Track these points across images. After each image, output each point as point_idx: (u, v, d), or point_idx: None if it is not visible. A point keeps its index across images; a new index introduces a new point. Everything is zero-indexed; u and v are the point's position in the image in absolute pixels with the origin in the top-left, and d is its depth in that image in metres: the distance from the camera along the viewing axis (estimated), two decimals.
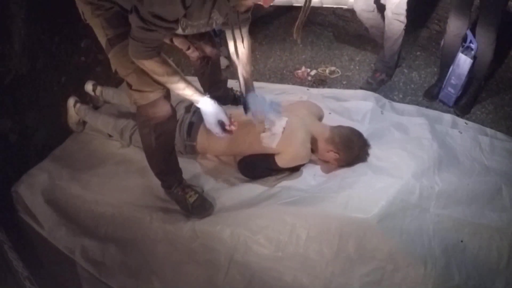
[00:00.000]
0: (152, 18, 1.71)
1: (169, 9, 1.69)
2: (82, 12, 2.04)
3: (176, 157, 2.43)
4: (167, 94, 2.14)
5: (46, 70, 2.97)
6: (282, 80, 3.70)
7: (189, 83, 2.07)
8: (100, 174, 2.72)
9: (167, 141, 2.30)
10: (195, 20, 1.88)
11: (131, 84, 2.06)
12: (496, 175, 2.69)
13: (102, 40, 2.04)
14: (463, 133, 3.01)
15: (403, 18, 3.26)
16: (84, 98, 3.10)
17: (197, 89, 2.12)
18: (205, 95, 2.15)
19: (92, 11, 1.97)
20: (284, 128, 2.54)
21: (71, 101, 2.98)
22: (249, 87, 2.47)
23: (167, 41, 2.45)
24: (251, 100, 2.46)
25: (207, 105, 2.15)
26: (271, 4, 1.82)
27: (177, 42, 2.52)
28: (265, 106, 2.49)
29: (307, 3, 1.74)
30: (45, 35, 2.91)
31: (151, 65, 1.93)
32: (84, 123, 3.05)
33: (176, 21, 1.79)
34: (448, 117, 3.23)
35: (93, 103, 3.14)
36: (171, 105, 2.18)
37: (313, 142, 2.62)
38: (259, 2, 1.80)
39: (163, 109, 2.10)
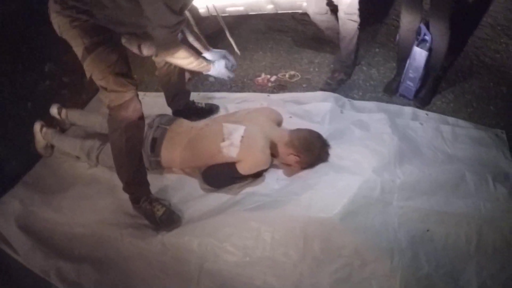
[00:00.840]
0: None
1: None
2: (58, 25, 2.12)
3: (144, 167, 2.49)
4: (137, 94, 2.28)
5: (12, 99, 2.98)
6: (243, 88, 3.72)
7: (198, 56, 2.47)
8: (71, 196, 2.75)
9: (136, 146, 2.38)
10: None
11: (106, 86, 2.18)
12: (460, 162, 2.73)
13: (79, 49, 2.14)
14: (424, 124, 3.05)
15: (356, 17, 3.30)
16: (52, 122, 3.11)
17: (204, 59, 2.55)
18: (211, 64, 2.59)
19: (69, 23, 2.06)
20: (242, 136, 2.58)
21: (37, 126, 3.00)
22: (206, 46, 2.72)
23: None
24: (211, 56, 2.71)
25: (218, 70, 2.63)
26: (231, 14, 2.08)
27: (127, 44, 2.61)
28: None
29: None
30: (8, 65, 2.93)
31: (182, 53, 2.31)
32: (52, 147, 3.07)
33: None
34: (408, 110, 3.27)
35: (60, 126, 3.16)
36: (141, 105, 2.31)
37: (273, 147, 2.66)
38: None
39: (135, 108, 2.24)
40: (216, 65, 2.62)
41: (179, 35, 2.34)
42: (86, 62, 2.14)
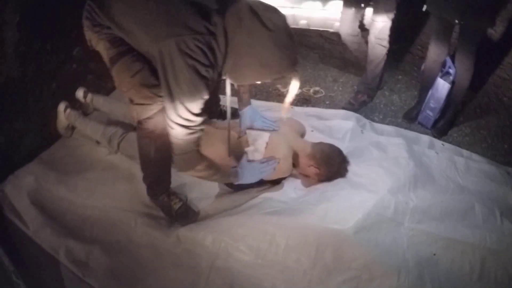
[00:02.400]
0: (187, 112, 1.86)
1: (198, 93, 1.83)
2: (89, 39, 2.14)
3: (170, 171, 2.49)
4: None
5: (37, 76, 2.97)
6: (267, 97, 3.77)
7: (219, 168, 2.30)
8: (87, 179, 2.76)
9: (165, 155, 2.33)
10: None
11: (132, 99, 2.13)
12: (470, 193, 2.76)
13: (107, 61, 2.13)
14: (439, 154, 3.09)
15: (385, 43, 3.37)
16: (74, 105, 3.12)
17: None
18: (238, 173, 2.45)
19: (98, 37, 2.06)
20: (266, 143, 2.64)
21: (61, 106, 3.02)
22: (245, 102, 2.66)
23: None
24: (247, 114, 2.67)
25: (247, 178, 2.50)
26: None
27: None
28: (257, 119, 2.69)
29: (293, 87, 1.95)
30: (37, 42, 2.94)
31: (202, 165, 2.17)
32: (73, 128, 3.09)
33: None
34: (425, 138, 3.32)
35: (83, 110, 3.17)
36: None
37: (295, 157, 2.70)
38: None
39: (162, 122, 2.07)
40: (245, 172, 2.50)
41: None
42: (112, 73, 2.13)
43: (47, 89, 3.10)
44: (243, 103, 2.71)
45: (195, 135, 1.97)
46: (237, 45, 1.80)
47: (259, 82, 1.98)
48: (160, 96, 1.99)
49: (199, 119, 1.91)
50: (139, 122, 2.20)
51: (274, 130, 2.76)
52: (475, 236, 2.41)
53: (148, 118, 2.15)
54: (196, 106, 1.85)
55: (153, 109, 2.12)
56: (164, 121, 1.97)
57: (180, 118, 1.87)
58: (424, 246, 2.37)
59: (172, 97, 1.82)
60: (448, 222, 2.50)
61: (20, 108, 2.93)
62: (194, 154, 2.09)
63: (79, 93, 3.12)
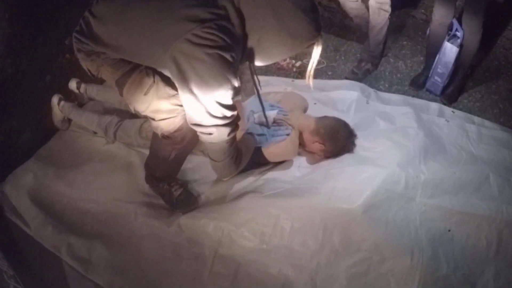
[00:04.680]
0: (222, 107, 1.71)
1: (228, 83, 1.67)
2: (88, 69, 2.01)
3: (183, 161, 2.41)
4: None
5: (31, 70, 2.92)
6: (266, 72, 3.66)
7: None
8: (86, 172, 2.70)
9: (183, 156, 2.30)
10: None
11: (153, 117, 1.98)
12: (484, 163, 2.70)
13: (113, 85, 1.99)
14: (450, 122, 3.01)
15: (387, 7, 3.24)
16: (69, 96, 3.07)
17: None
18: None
19: (96, 66, 1.94)
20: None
21: (55, 99, 2.96)
22: (249, 91, 2.57)
23: None
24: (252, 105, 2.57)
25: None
26: None
27: None
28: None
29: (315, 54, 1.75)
30: (28, 35, 2.88)
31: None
32: (70, 121, 3.03)
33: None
34: (434, 106, 3.23)
35: (78, 101, 3.12)
36: None
37: (299, 134, 2.62)
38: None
39: (191, 130, 1.90)
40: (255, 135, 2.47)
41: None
42: (124, 96, 1.97)
43: (41, 82, 3.04)
44: (246, 93, 2.60)
45: (235, 131, 1.86)
46: (259, 20, 1.65)
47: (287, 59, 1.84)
48: (181, 105, 1.85)
49: (235, 112, 1.78)
50: (165, 137, 2.05)
51: (284, 116, 2.66)
52: (490, 208, 2.34)
53: (176, 131, 2.01)
54: (229, 97, 1.71)
55: (179, 120, 1.97)
56: (192, 130, 1.84)
57: (216, 119, 1.73)
58: (438, 222, 2.29)
59: (199, 100, 1.67)
60: (462, 195, 2.42)
61: (16, 105, 2.88)
62: (239, 152, 2.00)
63: (72, 84, 3.06)
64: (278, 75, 3.61)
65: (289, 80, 3.47)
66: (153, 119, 2.00)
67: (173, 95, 1.88)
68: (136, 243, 2.36)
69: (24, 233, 2.46)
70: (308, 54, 1.79)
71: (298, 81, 3.47)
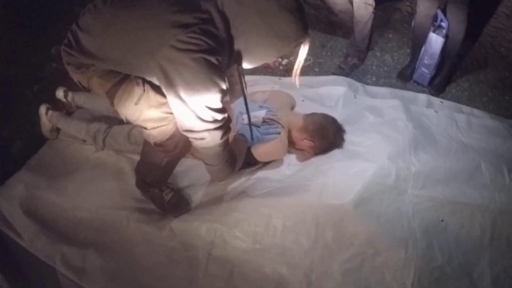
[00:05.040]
0: (212, 111, 1.69)
1: (216, 87, 1.65)
2: (78, 81, 2.00)
3: (175, 167, 2.40)
4: None
5: (19, 80, 2.94)
6: (254, 71, 3.61)
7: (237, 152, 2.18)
8: (76, 180, 2.69)
9: (175, 163, 2.30)
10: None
11: (145, 126, 1.97)
12: (474, 152, 2.69)
13: (103, 96, 1.98)
14: (438, 112, 3.01)
15: (371, 1, 3.24)
16: (57, 105, 3.06)
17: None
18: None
19: (86, 78, 1.93)
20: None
21: (42, 109, 2.94)
22: (237, 93, 2.54)
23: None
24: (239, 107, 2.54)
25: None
26: None
27: None
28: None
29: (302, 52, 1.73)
30: (15, 46, 2.88)
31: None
32: (58, 130, 3.01)
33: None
34: (423, 97, 3.23)
35: (66, 109, 3.10)
36: None
37: (288, 132, 2.62)
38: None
39: (183, 137, 1.88)
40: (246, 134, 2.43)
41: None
42: (115, 106, 1.96)
43: (30, 92, 3.05)
44: (234, 94, 2.59)
45: (228, 133, 1.84)
46: (244, 23, 1.64)
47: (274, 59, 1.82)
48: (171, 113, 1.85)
49: (225, 114, 1.76)
50: (158, 145, 2.04)
51: (273, 115, 2.64)
52: (483, 197, 2.35)
53: (168, 139, 2.00)
54: (218, 101, 1.69)
55: (171, 128, 1.96)
56: (185, 136, 1.83)
57: (207, 123, 1.71)
58: (431, 213, 2.29)
59: (188, 106, 1.65)
60: (454, 184, 2.42)
61: (6, 115, 2.89)
62: (233, 154, 1.99)
63: (59, 93, 3.04)
64: (265, 74, 3.60)
65: (276, 78, 3.45)
66: (145, 128, 1.98)
67: (164, 103, 1.87)
68: (129, 249, 2.35)
69: (17, 245, 2.44)
70: (295, 52, 1.77)
71: (285, 79, 3.46)
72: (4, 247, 2.48)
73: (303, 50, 1.71)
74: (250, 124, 2.35)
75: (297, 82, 1.85)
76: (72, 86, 3.06)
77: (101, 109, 2.98)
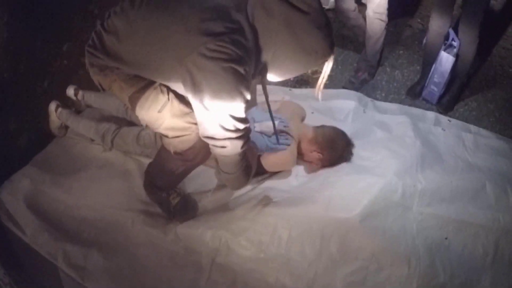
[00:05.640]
0: (235, 121, 1.68)
1: (241, 97, 1.64)
2: (99, 83, 1.98)
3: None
4: None
5: (29, 75, 2.92)
6: None
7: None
8: (83, 179, 2.68)
9: (193, 169, 2.29)
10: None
11: (166, 134, 1.97)
12: (480, 172, 2.68)
13: (125, 101, 1.96)
14: (446, 131, 3.01)
15: (384, 17, 3.26)
16: (67, 103, 3.06)
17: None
18: None
19: (109, 80, 1.91)
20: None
21: (52, 106, 2.95)
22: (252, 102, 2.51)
23: None
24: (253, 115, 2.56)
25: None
26: None
27: None
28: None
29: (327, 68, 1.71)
30: (27, 39, 2.88)
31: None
32: (67, 127, 3.02)
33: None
34: (431, 114, 3.21)
35: (76, 108, 3.11)
36: None
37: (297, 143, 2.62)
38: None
39: (205, 147, 1.89)
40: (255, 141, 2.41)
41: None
42: (136, 112, 1.94)
43: (39, 87, 3.04)
44: (249, 104, 2.59)
45: (248, 143, 1.82)
46: (273, 36, 1.62)
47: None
48: (196, 123, 1.81)
49: (247, 124, 1.76)
50: (178, 153, 2.04)
51: (285, 127, 2.64)
52: (487, 217, 2.35)
53: (188, 149, 2.01)
54: (242, 111, 1.68)
55: (192, 138, 1.96)
56: (205, 147, 1.83)
57: (229, 132, 1.70)
58: (435, 231, 2.29)
59: (212, 113, 1.64)
60: (459, 203, 2.42)
61: (13, 109, 2.88)
62: (249, 162, 1.98)
63: (70, 91, 3.05)
64: (276, 84, 3.56)
65: (286, 89, 3.45)
66: (167, 136, 1.98)
67: (187, 113, 1.87)
68: (133, 250, 2.35)
69: (20, 240, 2.44)
70: None
71: (296, 90, 3.45)
72: (6, 242, 2.48)
73: (327, 66, 1.70)
74: (276, 133, 2.35)
75: (319, 97, 1.83)
76: (83, 84, 3.08)
77: (111, 109, 2.98)
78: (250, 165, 2.03)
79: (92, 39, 1.86)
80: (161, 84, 1.87)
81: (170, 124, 1.92)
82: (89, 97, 3.03)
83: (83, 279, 2.28)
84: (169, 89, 1.87)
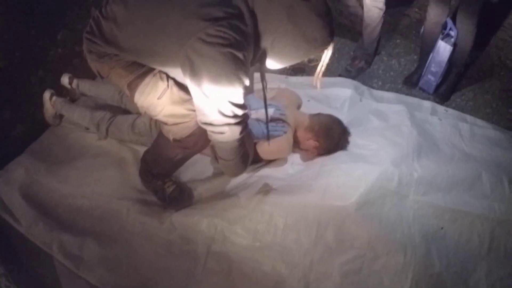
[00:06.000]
0: (234, 107, 1.67)
1: (240, 83, 1.63)
2: (97, 70, 1.97)
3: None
4: None
5: (23, 64, 2.91)
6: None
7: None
8: (78, 168, 2.67)
9: (191, 157, 2.29)
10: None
11: (166, 121, 1.97)
12: (476, 161, 2.69)
13: (124, 88, 1.95)
14: (442, 120, 3.01)
15: (381, 5, 3.23)
16: (62, 91, 3.04)
17: None
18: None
19: (108, 67, 1.90)
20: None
21: (47, 94, 2.92)
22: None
23: None
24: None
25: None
26: None
27: None
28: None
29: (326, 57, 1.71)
30: (21, 28, 2.86)
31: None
32: (61, 116, 3.00)
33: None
34: (427, 104, 3.23)
35: (70, 96, 3.08)
36: None
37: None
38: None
39: (204, 135, 1.87)
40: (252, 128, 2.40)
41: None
42: (135, 99, 1.93)
43: (34, 76, 3.03)
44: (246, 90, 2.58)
45: (246, 129, 1.82)
46: (273, 23, 1.61)
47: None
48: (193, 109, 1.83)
49: (246, 110, 1.75)
50: (177, 141, 2.04)
51: (281, 115, 2.63)
52: (483, 206, 2.36)
53: (188, 136, 2.00)
54: (240, 97, 1.67)
55: (192, 126, 1.95)
56: (205, 134, 1.82)
57: (227, 118, 1.69)
58: (431, 220, 2.30)
59: (211, 99, 1.63)
60: (455, 192, 2.43)
61: (8, 98, 2.87)
62: (246, 149, 1.97)
63: (64, 80, 3.02)
64: (272, 72, 3.57)
65: (282, 77, 3.44)
66: (166, 124, 1.98)
67: (187, 100, 1.86)
68: (128, 239, 2.34)
69: (15, 230, 2.43)
70: None
71: (292, 78, 3.45)
72: (1, 232, 2.47)
73: (327, 55, 1.69)
74: (267, 121, 2.33)
75: (318, 85, 1.82)
76: (77, 73, 3.05)
77: (105, 97, 2.97)
78: (248, 152, 2.02)
79: (90, 25, 1.84)
80: (160, 71, 1.86)
81: (169, 111, 1.92)
82: (84, 86, 3.01)
83: (78, 268, 2.27)
84: (168, 76, 1.86)
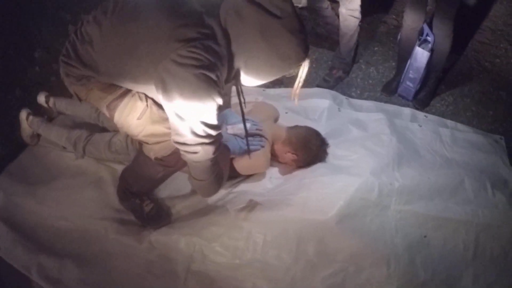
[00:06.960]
0: (207, 127, 1.65)
1: (213, 103, 1.61)
2: (75, 93, 1.95)
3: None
4: None
5: (0, 83, 2.90)
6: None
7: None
8: (56, 188, 2.63)
9: (171, 175, 2.26)
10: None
11: (147, 141, 1.97)
12: (459, 167, 2.70)
13: (104, 109, 1.94)
14: (423, 126, 3.01)
15: (357, 14, 3.24)
16: (39, 110, 2.99)
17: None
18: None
19: (86, 90, 1.89)
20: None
21: (23, 114, 2.87)
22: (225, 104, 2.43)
23: None
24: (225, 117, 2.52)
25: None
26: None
27: None
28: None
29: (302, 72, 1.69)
30: None
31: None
32: (39, 136, 2.94)
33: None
34: (407, 111, 3.23)
35: (48, 115, 3.03)
36: None
37: (271, 145, 2.59)
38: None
39: None
40: (229, 143, 2.40)
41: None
42: (115, 120, 1.93)
43: (11, 95, 3.01)
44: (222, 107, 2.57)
45: (220, 149, 1.80)
46: (246, 42, 1.59)
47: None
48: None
49: (219, 130, 1.73)
50: (158, 159, 2.02)
51: (258, 130, 2.60)
52: (467, 212, 2.36)
53: (170, 154, 1.98)
54: (214, 117, 1.65)
55: (173, 144, 1.89)
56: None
57: (201, 138, 1.67)
58: (414, 228, 2.29)
59: (184, 120, 1.62)
60: (438, 200, 2.43)
61: None
62: (221, 169, 1.95)
63: (41, 98, 2.97)
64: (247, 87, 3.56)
65: (260, 89, 3.40)
66: (147, 143, 1.97)
67: (167, 118, 1.81)
68: (107, 261, 2.31)
69: None
70: None
71: (270, 90, 3.42)
72: None
73: (303, 71, 1.68)
74: (247, 136, 2.31)
75: (296, 101, 1.81)
76: (54, 92, 3.02)
77: (83, 115, 2.92)
78: (222, 172, 2.00)
79: (66, 48, 1.83)
80: (137, 92, 1.85)
81: (150, 131, 1.91)
82: (61, 104, 2.97)
83: None
84: (147, 96, 1.86)
